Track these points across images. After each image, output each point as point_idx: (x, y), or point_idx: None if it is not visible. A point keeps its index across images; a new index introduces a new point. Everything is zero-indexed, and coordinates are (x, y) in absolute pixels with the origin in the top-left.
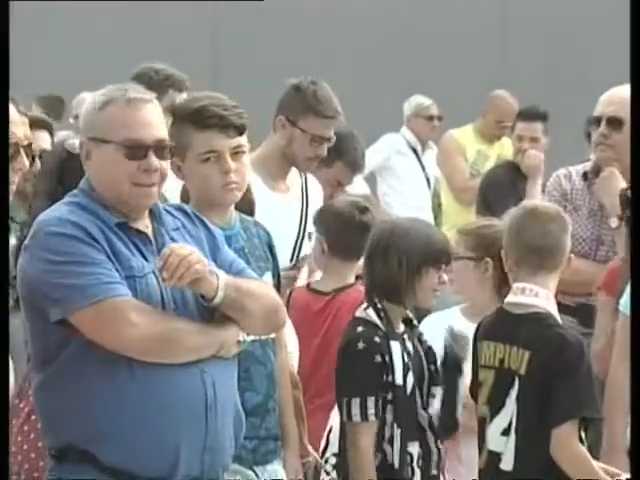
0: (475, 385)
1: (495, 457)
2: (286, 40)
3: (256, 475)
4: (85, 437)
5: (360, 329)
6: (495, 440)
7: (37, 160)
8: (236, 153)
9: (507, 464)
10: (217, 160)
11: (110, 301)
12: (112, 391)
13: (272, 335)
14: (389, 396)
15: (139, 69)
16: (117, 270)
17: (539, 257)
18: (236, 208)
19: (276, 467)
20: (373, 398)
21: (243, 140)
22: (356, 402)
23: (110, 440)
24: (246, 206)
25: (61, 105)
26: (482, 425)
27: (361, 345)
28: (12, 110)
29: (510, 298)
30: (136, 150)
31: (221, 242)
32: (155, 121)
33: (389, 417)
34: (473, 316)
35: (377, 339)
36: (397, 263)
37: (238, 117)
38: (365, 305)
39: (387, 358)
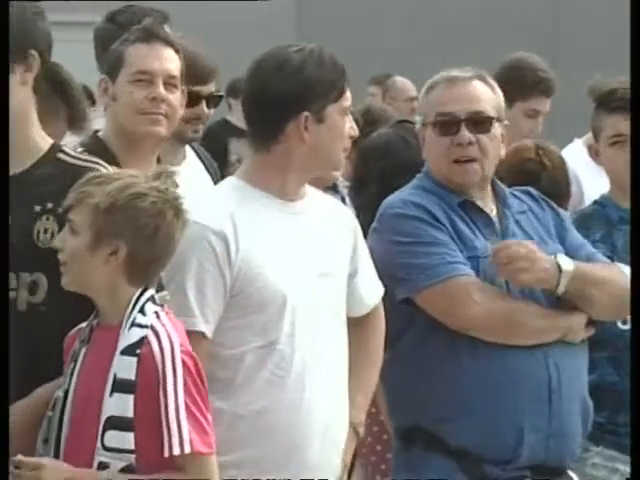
0: None
1: None
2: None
3: None
4: (431, 418)
5: None
6: None
7: None
8: None
9: None
10: (624, 144)
11: (454, 280)
12: (456, 371)
13: None
14: None
15: (507, 64)
16: (460, 251)
17: None
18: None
19: None
20: None
21: None
22: None
23: (455, 422)
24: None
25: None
26: None
27: None
28: None
29: None
30: (447, 125)
31: (569, 224)
32: (475, 96)
33: None
34: None
35: None
36: None
37: None
38: None
39: None
